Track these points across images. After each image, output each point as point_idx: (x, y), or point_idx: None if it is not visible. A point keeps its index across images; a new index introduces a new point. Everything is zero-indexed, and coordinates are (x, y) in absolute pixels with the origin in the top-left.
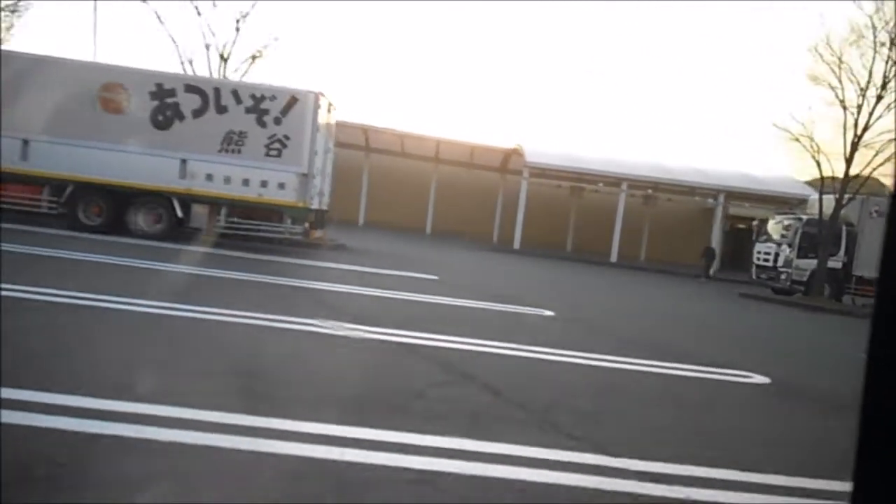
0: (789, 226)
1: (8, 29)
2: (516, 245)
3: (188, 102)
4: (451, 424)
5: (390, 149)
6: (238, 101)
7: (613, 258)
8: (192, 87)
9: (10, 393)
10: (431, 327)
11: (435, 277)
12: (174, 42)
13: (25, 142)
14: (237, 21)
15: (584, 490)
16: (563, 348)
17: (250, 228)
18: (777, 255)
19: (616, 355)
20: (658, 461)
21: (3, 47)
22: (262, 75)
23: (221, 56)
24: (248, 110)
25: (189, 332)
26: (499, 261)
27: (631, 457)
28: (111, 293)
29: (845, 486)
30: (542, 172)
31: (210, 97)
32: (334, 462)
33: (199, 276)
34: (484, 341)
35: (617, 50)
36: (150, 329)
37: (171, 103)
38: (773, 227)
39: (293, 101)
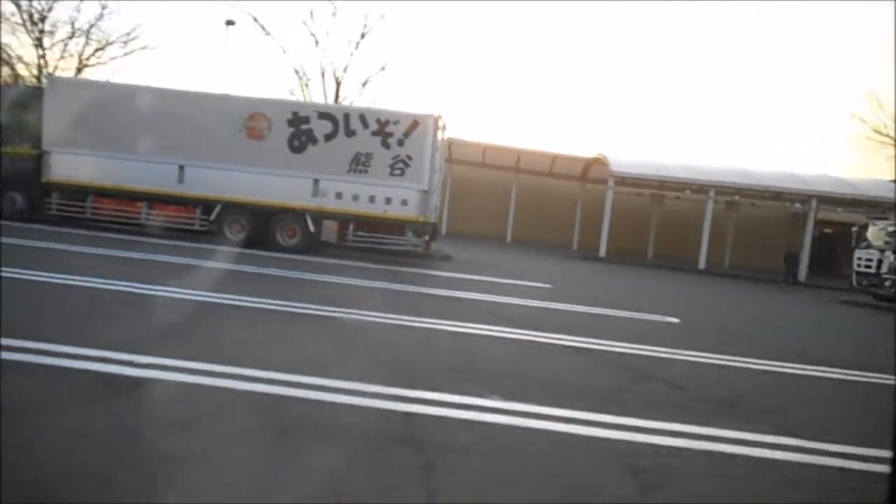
0: (894, 232)
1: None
2: (602, 253)
3: (321, 128)
4: (664, 411)
5: (472, 160)
6: (365, 125)
7: (702, 265)
8: (325, 114)
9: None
10: (583, 332)
11: (548, 285)
12: (296, 71)
13: (181, 167)
14: (353, 48)
15: (789, 463)
16: (709, 352)
17: (375, 241)
18: (880, 261)
19: (764, 359)
20: (845, 444)
21: (150, 83)
22: (370, 96)
23: (336, 81)
24: (373, 133)
25: (399, 335)
26: (591, 269)
27: (819, 439)
28: (304, 301)
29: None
30: (625, 181)
31: (340, 122)
32: (597, 439)
33: (352, 286)
34: (637, 346)
35: (689, 54)
36: (368, 332)
37: (305, 129)
38: (875, 232)
39: (415, 124)
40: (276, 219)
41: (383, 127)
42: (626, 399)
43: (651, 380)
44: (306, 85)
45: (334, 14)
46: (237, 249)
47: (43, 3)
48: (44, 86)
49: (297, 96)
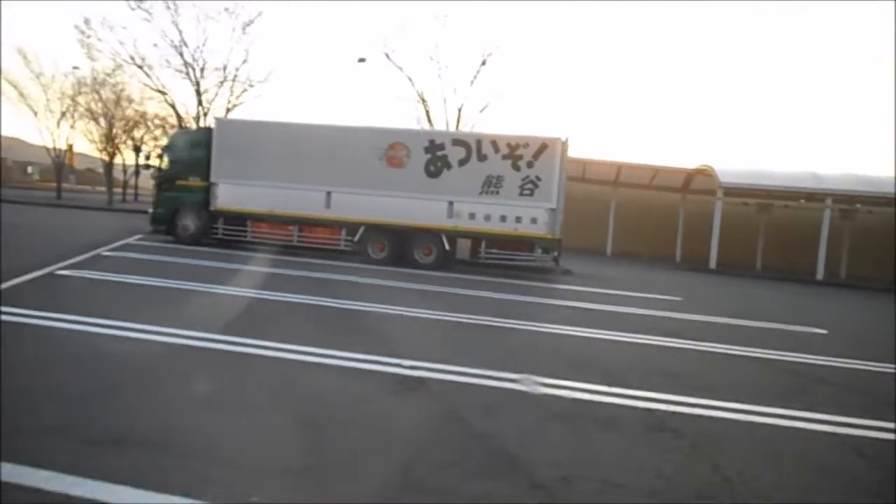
0: None
1: (235, 98)
2: (712, 264)
3: (455, 154)
4: (857, 411)
5: (573, 175)
6: (496, 150)
7: (819, 275)
8: (458, 141)
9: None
10: (738, 341)
11: (678, 298)
12: (422, 100)
13: (328, 193)
14: (472, 76)
15: None
16: (871, 361)
17: (505, 258)
18: None
19: None
20: None
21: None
22: (488, 120)
23: (458, 109)
24: (504, 157)
25: (577, 344)
26: (708, 280)
27: None
28: (482, 314)
29: None
30: (733, 191)
31: (473, 148)
32: (803, 430)
33: (510, 300)
34: (797, 354)
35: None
36: (555, 341)
37: (441, 156)
38: None
39: (543, 146)
40: (415, 238)
41: (513, 150)
42: (811, 396)
43: (830, 384)
44: (428, 112)
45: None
46: (383, 267)
47: (199, 53)
48: (212, 126)
49: (423, 123)
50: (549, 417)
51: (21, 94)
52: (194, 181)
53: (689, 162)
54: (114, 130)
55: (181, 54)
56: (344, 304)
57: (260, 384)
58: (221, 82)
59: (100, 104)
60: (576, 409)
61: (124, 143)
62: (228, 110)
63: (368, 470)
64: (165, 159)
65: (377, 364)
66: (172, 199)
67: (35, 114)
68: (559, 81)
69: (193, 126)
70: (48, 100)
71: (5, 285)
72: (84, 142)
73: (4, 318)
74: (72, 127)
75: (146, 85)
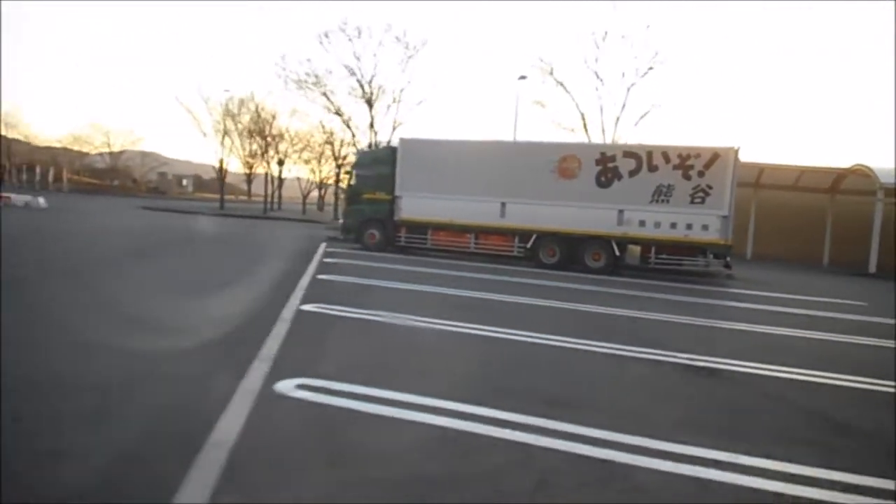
0: None
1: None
2: (871, 268)
3: (625, 165)
4: None
5: None
6: (667, 160)
7: None
8: (629, 153)
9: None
10: None
11: (861, 303)
12: (579, 110)
13: (503, 204)
14: (627, 90)
15: None
16: None
17: (674, 262)
18: None
19: None
20: None
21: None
22: (643, 131)
23: (616, 119)
24: (675, 167)
25: (821, 345)
26: (874, 285)
27: None
28: (716, 318)
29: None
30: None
31: (643, 159)
32: None
33: (722, 306)
34: None
35: None
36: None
37: (611, 167)
38: None
39: (715, 156)
40: (585, 245)
41: (684, 161)
42: None
43: None
44: (586, 125)
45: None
46: (554, 272)
47: (373, 77)
48: (396, 145)
49: (580, 135)
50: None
51: (193, 117)
52: (380, 195)
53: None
54: (264, 146)
55: (360, 81)
56: (612, 311)
57: (599, 374)
58: (390, 105)
59: (256, 123)
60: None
61: (269, 157)
62: (394, 128)
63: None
64: (353, 176)
65: (657, 356)
66: (361, 210)
67: (205, 135)
68: (704, 87)
69: (362, 143)
70: (214, 121)
71: (304, 286)
72: (233, 157)
73: (341, 313)
74: (224, 144)
75: (326, 107)
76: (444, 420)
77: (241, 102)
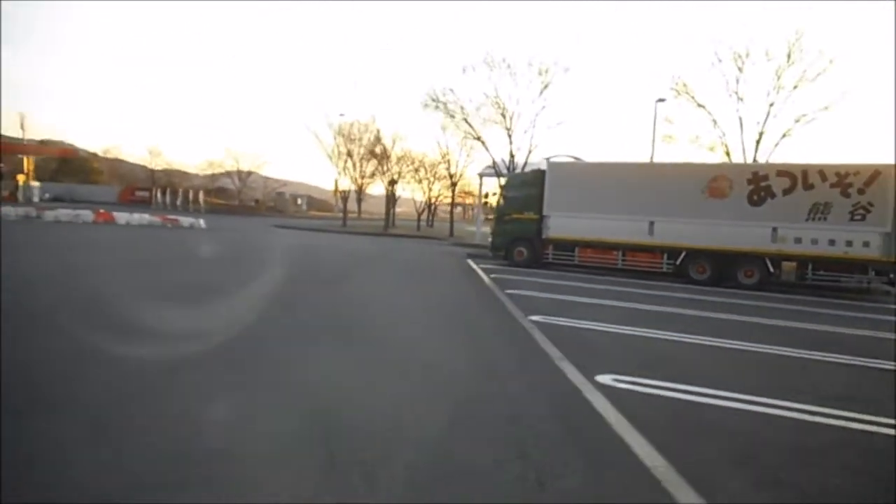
0: None
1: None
2: None
3: (779, 184)
4: None
5: None
6: (823, 179)
7: None
8: (783, 172)
9: None
10: None
11: None
12: (720, 129)
13: (651, 223)
14: (769, 107)
15: None
16: None
17: (832, 280)
18: None
19: None
20: None
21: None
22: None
23: (760, 134)
24: (832, 185)
25: None
26: None
27: None
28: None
29: None
30: None
31: (798, 178)
32: None
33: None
34: None
35: None
36: None
37: (764, 186)
38: None
39: (876, 174)
40: (737, 261)
41: (842, 178)
42: None
43: None
44: (727, 146)
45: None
46: (708, 288)
47: (514, 104)
48: (543, 168)
49: (719, 153)
50: None
51: (318, 141)
52: (528, 214)
53: None
54: (385, 167)
55: (502, 111)
56: (808, 326)
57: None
58: (527, 129)
59: (374, 146)
60: None
61: (388, 176)
62: (530, 151)
63: None
64: (502, 197)
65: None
66: (509, 229)
67: (330, 158)
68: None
69: (498, 165)
70: (336, 145)
71: (505, 300)
72: (345, 177)
73: (557, 323)
74: (342, 166)
75: (467, 133)
76: (761, 408)
77: (365, 126)
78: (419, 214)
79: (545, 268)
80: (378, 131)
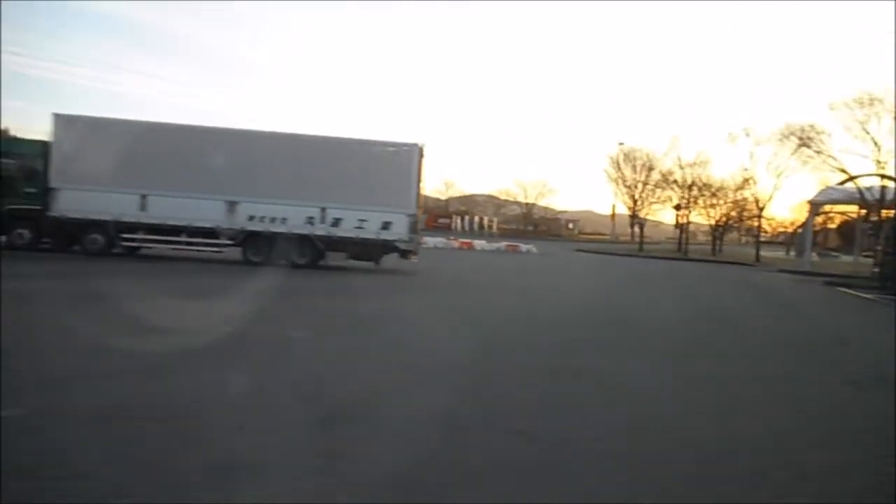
0: None
1: None
2: None
3: None
4: None
5: None
6: None
7: None
8: None
9: None
10: None
11: None
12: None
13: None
14: None
15: None
16: None
17: None
18: None
19: None
20: None
21: None
22: None
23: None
24: None
25: None
26: None
27: None
28: None
29: None
30: None
31: None
32: None
33: None
34: None
35: None
36: None
37: None
38: None
39: None
40: None
41: None
42: None
43: None
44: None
45: None
46: None
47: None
48: None
49: None
50: None
51: (614, 169)
52: None
53: None
54: (689, 196)
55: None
56: None
57: None
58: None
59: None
60: None
61: (690, 204)
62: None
63: None
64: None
65: None
66: None
67: (617, 183)
68: None
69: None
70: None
71: None
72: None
73: None
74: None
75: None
76: None
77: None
78: (714, 240)
79: None
80: (679, 158)
